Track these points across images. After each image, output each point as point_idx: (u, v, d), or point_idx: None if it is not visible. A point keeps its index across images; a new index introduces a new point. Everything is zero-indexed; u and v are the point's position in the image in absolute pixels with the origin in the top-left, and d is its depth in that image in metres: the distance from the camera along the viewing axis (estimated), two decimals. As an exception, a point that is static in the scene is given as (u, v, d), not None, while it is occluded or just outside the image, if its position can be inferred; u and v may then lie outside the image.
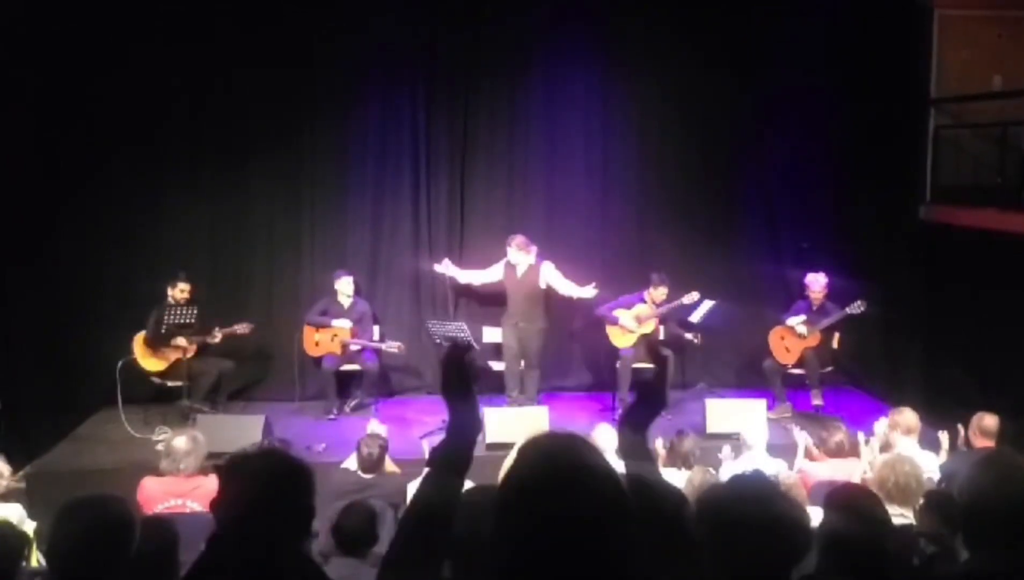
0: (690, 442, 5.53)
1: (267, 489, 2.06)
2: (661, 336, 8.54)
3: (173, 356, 7.80)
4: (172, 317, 7.71)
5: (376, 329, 8.57)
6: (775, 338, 8.40)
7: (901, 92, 8.87)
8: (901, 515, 3.94)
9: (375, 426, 6.00)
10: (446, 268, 8.42)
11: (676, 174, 9.05)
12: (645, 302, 8.30)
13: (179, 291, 7.88)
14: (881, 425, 5.85)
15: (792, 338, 8.26)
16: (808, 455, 5.84)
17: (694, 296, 8.19)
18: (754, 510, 1.91)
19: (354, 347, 8.19)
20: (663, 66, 8.88)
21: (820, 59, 8.90)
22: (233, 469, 2.16)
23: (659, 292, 8.24)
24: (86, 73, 7.95)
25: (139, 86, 8.15)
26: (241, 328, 7.99)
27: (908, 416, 5.61)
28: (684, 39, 8.78)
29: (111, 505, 2.61)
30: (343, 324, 8.15)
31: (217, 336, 7.90)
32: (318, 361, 8.34)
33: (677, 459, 5.36)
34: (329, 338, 8.18)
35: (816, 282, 8.28)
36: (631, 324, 8.26)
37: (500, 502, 1.48)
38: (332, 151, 8.80)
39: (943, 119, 9.08)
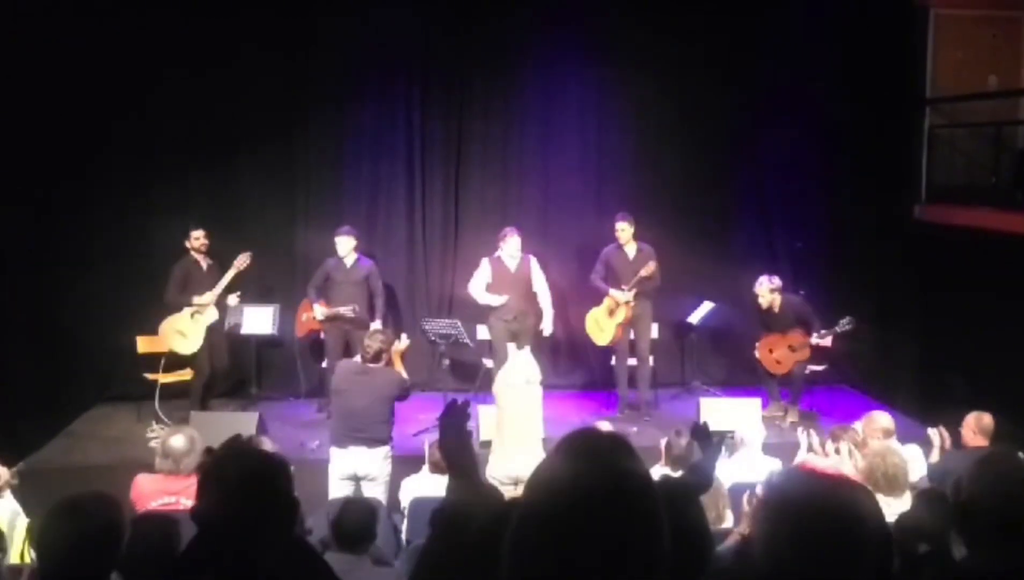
0: (687, 441, 5.51)
1: (243, 492, 2.07)
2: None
3: (198, 327, 7.65)
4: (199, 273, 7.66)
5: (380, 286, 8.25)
6: (763, 352, 8.23)
7: (896, 92, 8.89)
8: (887, 505, 3.95)
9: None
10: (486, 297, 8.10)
11: (670, 172, 9.04)
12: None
13: (195, 239, 7.72)
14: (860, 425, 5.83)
15: (781, 350, 8.13)
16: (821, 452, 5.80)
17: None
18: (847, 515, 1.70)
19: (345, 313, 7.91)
20: (657, 65, 8.86)
21: (815, 58, 8.91)
22: (208, 476, 2.16)
23: (624, 231, 8.00)
24: (81, 69, 7.91)
25: (133, 87, 8.13)
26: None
27: (883, 420, 5.60)
28: (678, 38, 8.77)
29: (98, 509, 2.61)
30: (318, 313, 7.99)
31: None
32: (319, 357, 8.33)
33: (675, 459, 5.34)
34: (312, 316, 8.09)
35: (759, 286, 8.02)
36: (603, 318, 8.19)
37: (528, 507, 1.34)
38: (326, 149, 8.80)
39: (938, 119, 9.11)
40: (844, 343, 8.23)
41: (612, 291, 8.07)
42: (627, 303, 7.99)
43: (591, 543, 1.27)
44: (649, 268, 7.90)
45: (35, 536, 2.60)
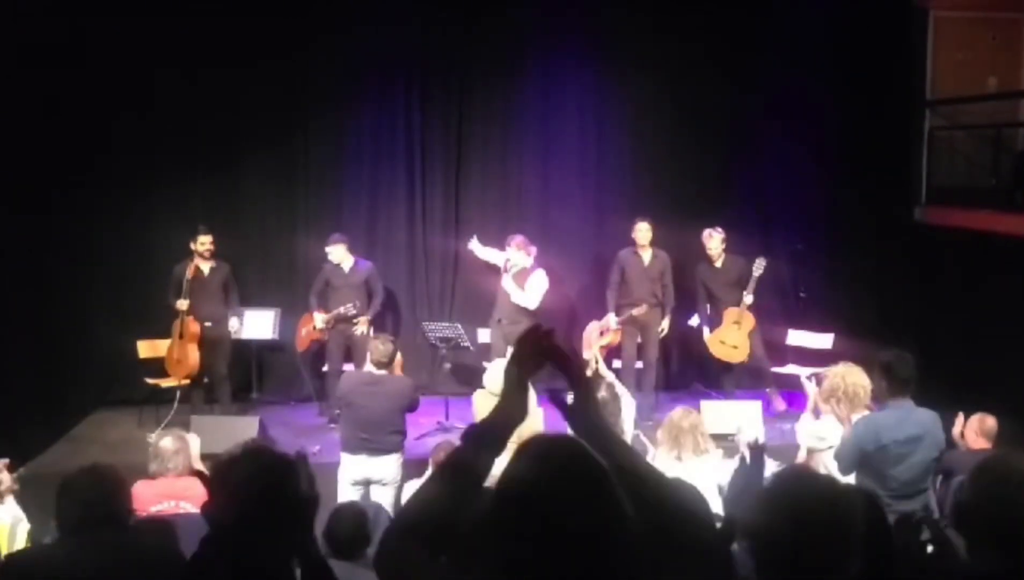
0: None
1: (256, 491, 2.08)
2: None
3: (188, 348, 7.63)
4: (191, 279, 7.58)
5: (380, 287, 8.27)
6: (715, 345, 8.18)
7: (896, 94, 8.89)
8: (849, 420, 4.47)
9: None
10: (475, 247, 8.26)
11: (670, 173, 9.04)
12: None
13: (200, 244, 7.68)
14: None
15: (729, 332, 8.06)
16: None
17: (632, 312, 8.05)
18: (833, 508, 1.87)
19: (350, 313, 7.89)
20: (658, 65, 8.87)
21: (815, 60, 8.90)
22: (219, 476, 2.18)
23: (643, 233, 8.09)
24: (81, 71, 7.91)
25: (132, 89, 8.13)
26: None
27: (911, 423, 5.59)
28: (679, 38, 8.77)
29: (108, 467, 3.05)
30: (318, 321, 7.99)
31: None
32: (320, 362, 8.31)
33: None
34: (311, 327, 8.09)
35: (710, 238, 8.13)
36: (594, 335, 8.21)
37: (495, 504, 1.48)
38: (327, 151, 8.80)
39: (938, 121, 9.12)
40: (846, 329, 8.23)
41: (610, 315, 8.12)
42: (615, 331, 8.10)
43: (538, 533, 1.40)
44: (641, 310, 7.99)
45: (57, 493, 2.90)
